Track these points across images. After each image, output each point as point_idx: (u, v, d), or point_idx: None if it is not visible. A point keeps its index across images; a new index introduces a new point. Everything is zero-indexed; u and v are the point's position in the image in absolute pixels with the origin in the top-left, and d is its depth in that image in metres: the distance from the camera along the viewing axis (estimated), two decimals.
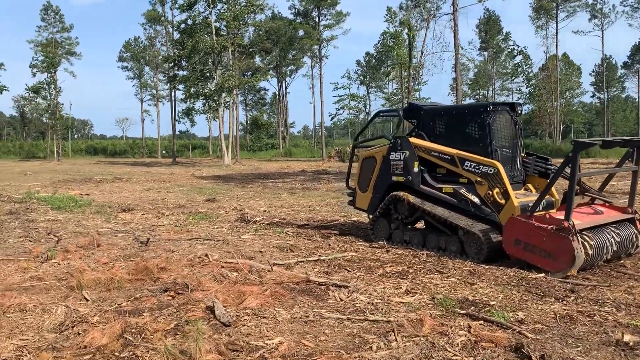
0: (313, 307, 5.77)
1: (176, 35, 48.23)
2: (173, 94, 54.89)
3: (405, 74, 37.52)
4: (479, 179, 8.04)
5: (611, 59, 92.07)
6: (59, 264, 7.84)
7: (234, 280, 6.87)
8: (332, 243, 9.29)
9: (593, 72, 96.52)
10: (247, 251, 8.56)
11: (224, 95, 40.27)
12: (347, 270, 7.46)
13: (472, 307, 5.73)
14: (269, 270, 7.11)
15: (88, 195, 18.43)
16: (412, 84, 36.58)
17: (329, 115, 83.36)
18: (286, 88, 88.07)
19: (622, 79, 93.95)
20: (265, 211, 13.91)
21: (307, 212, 13.65)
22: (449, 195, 8.35)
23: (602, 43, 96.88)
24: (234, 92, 41.48)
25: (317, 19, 65.03)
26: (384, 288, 6.50)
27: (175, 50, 43.96)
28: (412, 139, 8.85)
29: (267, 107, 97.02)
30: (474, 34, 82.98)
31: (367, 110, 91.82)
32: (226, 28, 41.34)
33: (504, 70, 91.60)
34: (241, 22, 42.00)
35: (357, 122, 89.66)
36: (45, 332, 5.13)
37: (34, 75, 56.81)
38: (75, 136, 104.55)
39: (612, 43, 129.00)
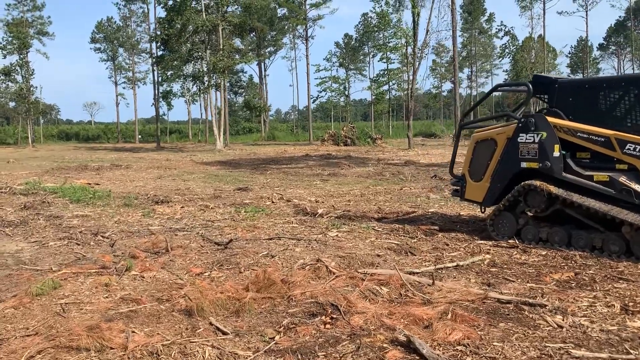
0: (539, 340, 4.35)
1: (160, 13, 45.72)
2: (155, 75, 52.25)
3: (410, 52, 36.06)
4: None
5: (587, 41, 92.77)
6: (143, 277, 6.24)
7: (388, 298, 5.41)
8: (449, 242, 7.87)
9: (569, 54, 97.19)
10: (360, 255, 7.08)
11: (215, 76, 38.14)
12: (509, 280, 6.07)
13: None
14: (429, 284, 5.66)
15: (98, 185, 16.60)
16: (418, 64, 35.29)
17: (311, 98, 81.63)
18: (265, 70, 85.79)
19: (597, 61, 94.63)
20: (318, 202, 12.41)
21: (365, 203, 12.19)
22: (603, 185, 7.00)
23: (586, 24, 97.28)
24: (225, 72, 39.34)
25: None
26: (591, 306, 5.13)
27: (160, 30, 41.42)
28: (551, 118, 7.45)
29: (243, 91, 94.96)
30: (458, 15, 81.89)
31: (346, 93, 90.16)
32: (216, 5, 39.09)
33: (484, 52, 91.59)
34: None
35: (338, 105, 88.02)
36: None
37: (4, 57, 53.46)
38: (41, 121, 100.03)
39: (595, 25, 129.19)
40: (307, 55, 59.50)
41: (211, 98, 41.72)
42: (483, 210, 8.65)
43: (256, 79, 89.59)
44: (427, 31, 33.01)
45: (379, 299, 5.39)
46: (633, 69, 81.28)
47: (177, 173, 20.95)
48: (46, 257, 7.44)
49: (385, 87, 71.35)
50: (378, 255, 7.08)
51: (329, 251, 7.34)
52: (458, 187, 8.68)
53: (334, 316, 4.98)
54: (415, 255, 7.19)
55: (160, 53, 43.63)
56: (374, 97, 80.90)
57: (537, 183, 7.40)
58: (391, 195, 13.24)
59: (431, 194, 13.14)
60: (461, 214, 10.43)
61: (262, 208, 11.37)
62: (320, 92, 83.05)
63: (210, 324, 4.76)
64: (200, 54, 39.82)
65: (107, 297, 5.54)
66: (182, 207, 11.75)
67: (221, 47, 38.63)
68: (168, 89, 66.65)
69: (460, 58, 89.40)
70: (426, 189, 14.31)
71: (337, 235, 8.50)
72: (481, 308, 5.12)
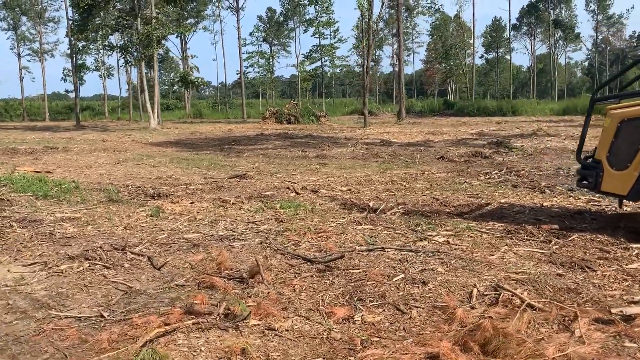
0: None
1: None
2: (71, 45, 47.08)
3: (366, 25, 34.34)
4: None
5: (501, 21, 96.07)
6: (274, 331, 4.05)
7: None
8: (605, 248, 6.22)
9: (484, 33, 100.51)
10: (539, 277, 5.24)
11: (150, 47, 34.43)
12: None
13: None
14: None
15: (50, 173, 13.61)
16: (373, 38, 33.58)
17: (237, 73, 78.41)
18: (186, 43, 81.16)
19: (509, 41, 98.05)
20: (351, 191, 10.43)
21: (409, 192, 10.37)
22: None
23: (509, 3, 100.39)
24: (160, 44, 35.72)
25: None
26: None
27: None
28: None
29: (159, 65, 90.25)
30: None
31: (272, 70, 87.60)
32: None
33: (406, 30, 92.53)
34: None
35: (265, 82, 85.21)
36: None
37: None
38: None
39: (517, 4, 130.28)
40: (238, 28, 56.42)
41: (142, 72, 37.82)
42: (620, 204, 7.12)
43: (173, 53, 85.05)
44: (382, 3, 31.37)
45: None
46: (552, 49, 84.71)
47: (133, 157, 18.05)
48: (75, 293, 5.01)
49: (318, 64, 69.50)
50: (559, 275, 5.28)
51: (483, 270, 5.44)
52: (585, 176, 7.04)
53: None
54: (595, 271, 5.46)
55: (83, 23, 38.96)
56: (301, 73, 78.86)
57: None
58: (428, 183, 11.48)
59: (473, 180, 11.55)
60: (544, 204, 8.88)
61: (297, 202, 9.24)
62: (247, 67, 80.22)
63: None
64: (129, 22, 35.85)
65: None
66: (191, 203, 9.37)
67: (154, 14, 34.94)
68: (80, 62, 61.00)
69: (382, 35, 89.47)
70: (452, 173, 12.72)
71: (447, 241, 6.62)
72: None
